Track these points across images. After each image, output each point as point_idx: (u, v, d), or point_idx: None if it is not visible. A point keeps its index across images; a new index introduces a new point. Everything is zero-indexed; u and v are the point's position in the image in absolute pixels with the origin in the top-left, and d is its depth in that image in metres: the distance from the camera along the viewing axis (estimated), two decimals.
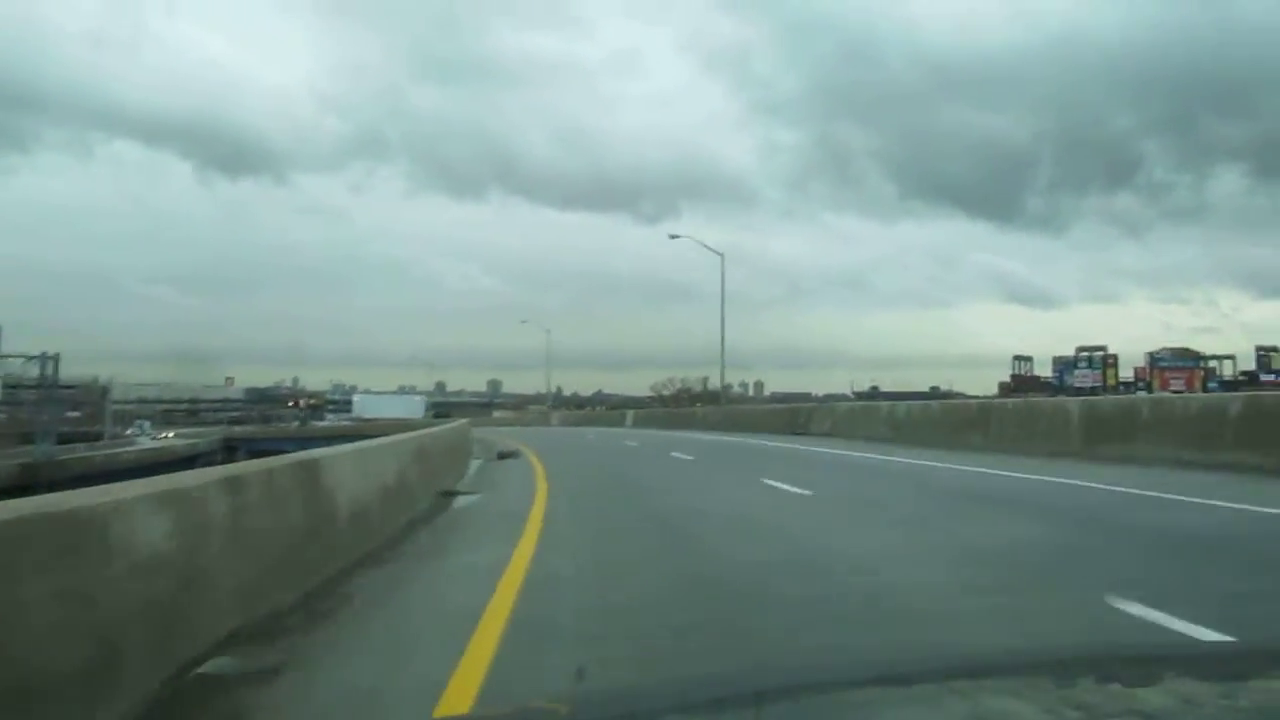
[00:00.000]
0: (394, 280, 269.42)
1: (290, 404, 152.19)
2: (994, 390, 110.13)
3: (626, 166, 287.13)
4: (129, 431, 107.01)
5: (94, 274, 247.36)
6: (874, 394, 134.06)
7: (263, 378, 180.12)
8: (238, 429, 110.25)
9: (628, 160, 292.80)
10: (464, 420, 28.77)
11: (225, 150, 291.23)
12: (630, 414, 50.97)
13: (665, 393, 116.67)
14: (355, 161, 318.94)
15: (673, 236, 42.03)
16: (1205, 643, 3.55)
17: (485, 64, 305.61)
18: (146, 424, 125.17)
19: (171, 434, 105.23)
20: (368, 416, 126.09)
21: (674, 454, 19.02)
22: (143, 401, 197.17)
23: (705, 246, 40.86)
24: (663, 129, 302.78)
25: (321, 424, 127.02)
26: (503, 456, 19.54)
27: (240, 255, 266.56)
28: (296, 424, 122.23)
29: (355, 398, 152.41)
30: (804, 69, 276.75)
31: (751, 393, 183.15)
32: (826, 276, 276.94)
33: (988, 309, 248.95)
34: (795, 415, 28.28)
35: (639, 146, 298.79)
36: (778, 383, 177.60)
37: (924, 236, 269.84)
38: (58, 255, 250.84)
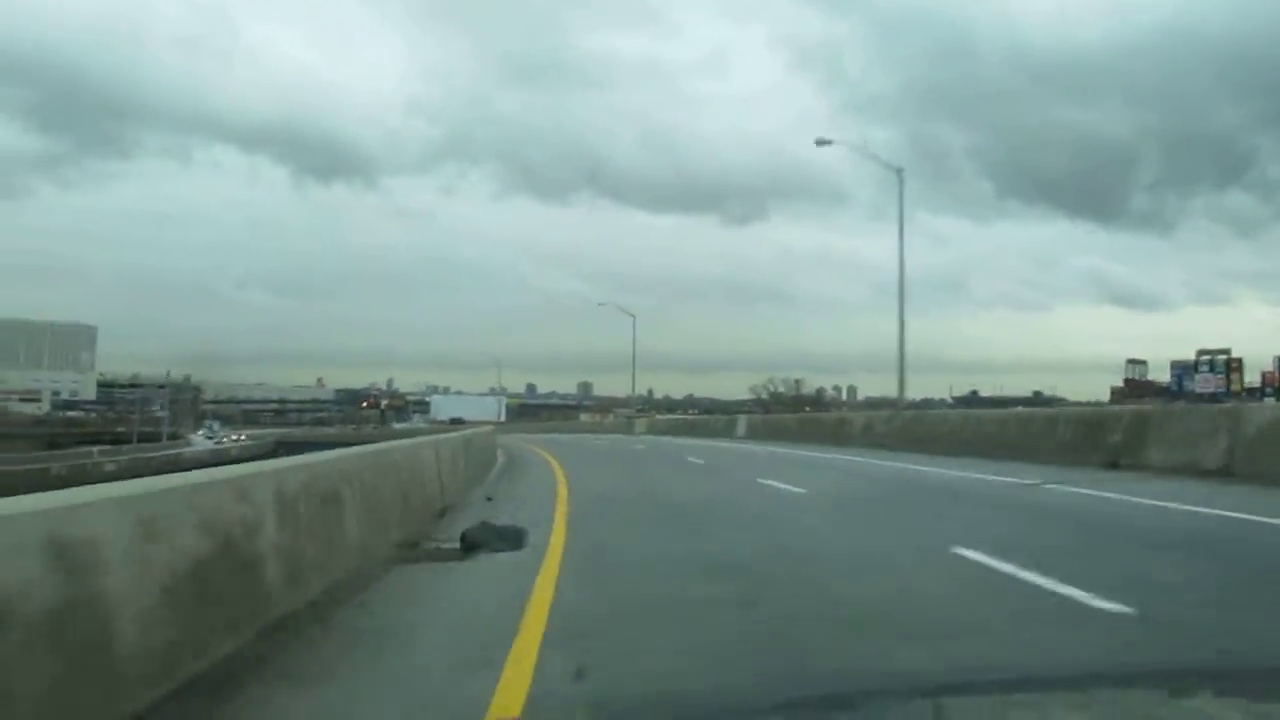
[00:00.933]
0: (484, 283, 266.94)
1: (365, 404, 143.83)
2: (1105, 396, 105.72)
3: (714, 168, 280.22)
4: (199, 433, 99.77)
5: (192, 278, 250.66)
6: (973, 400, 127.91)
7: (357, 379, 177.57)
8: (331, 430, 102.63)
9: (716, 162, 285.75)
10: (466, 432, 16.90)
11: (319, 155, 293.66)
12: (742, 420, 37.79)
13: (764, 395, 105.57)
14: (444, 165, 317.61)
15: (820, 143, 27.91)
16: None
17: (573, 67, 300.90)
18: (215, 424, 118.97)
19: (244, 435, 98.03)
20: (442, 418, 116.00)
21: (1004, 568, 6.17)
22: (232, 401, 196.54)
23: (870, 155, 27.91)
24: (751, 129, 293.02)
25: (399, 425, 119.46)
26: (471, 546, 7.02)
27: (333, 259, 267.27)
28: (371, 426, 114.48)
29: (432, 399, 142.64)
30: (897, 66, 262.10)
31: (845, 397, 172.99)
32: (918, 279, 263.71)
33: (1089, 312, 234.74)
34: (1096, 429, 14.67)
35: (727, 147, 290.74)
36: (869, 387, 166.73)
37: (1021, 237, 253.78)
38: (158, 260, 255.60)
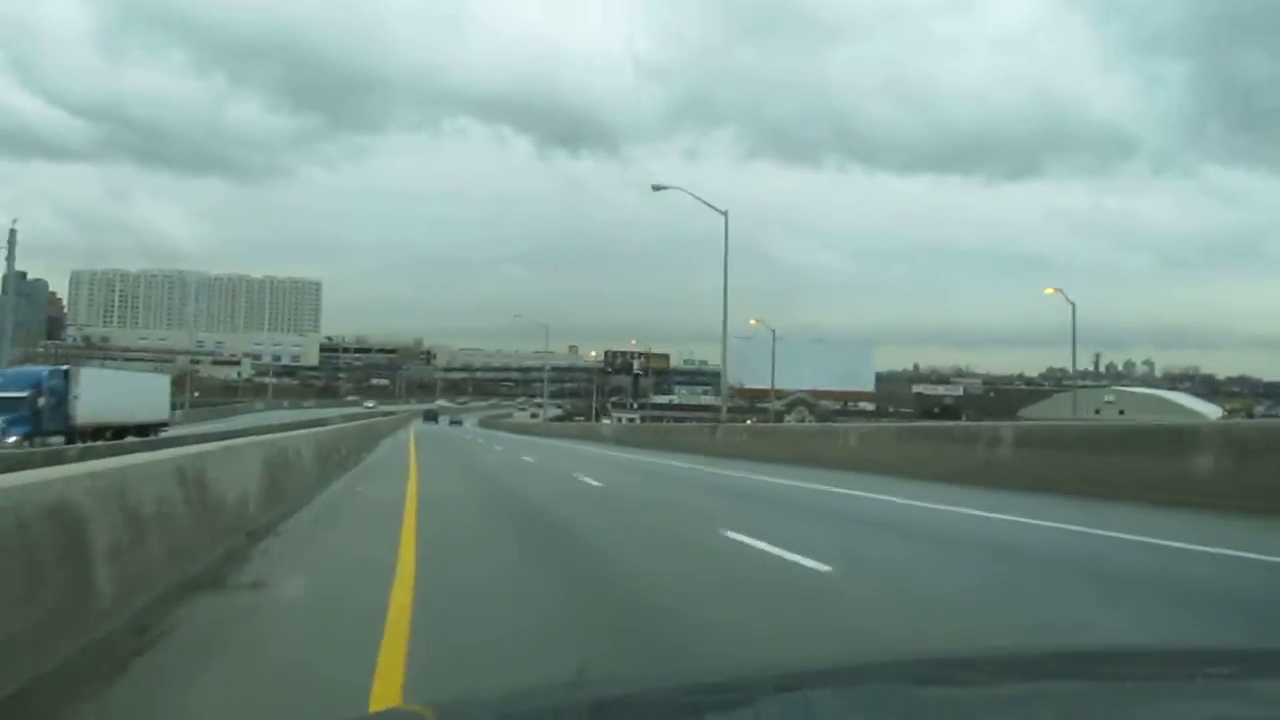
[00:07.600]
0: (733, 254, 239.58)
1: (610, 369, 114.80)
2: None
3: (973, 122, 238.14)
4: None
5: (451, 255, 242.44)
6: None
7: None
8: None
9: (974, 115, 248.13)
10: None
11: (557, 123, 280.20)
12: None
13: None
14: (684, 129, 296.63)
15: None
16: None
17: (808, 15, 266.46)
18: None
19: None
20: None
21: None
22: (467, 369, 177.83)
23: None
24: (1014, 76, 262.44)
25: (661, 399, 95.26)
26: None
27: (579, 232, 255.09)
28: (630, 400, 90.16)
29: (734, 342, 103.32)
30: None
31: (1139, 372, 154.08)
32: (1207, 242, 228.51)
33: None
34: None
35: (987, 99, 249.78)
36: (1165, 363, 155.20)
37: None
38: (416, 237, 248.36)
